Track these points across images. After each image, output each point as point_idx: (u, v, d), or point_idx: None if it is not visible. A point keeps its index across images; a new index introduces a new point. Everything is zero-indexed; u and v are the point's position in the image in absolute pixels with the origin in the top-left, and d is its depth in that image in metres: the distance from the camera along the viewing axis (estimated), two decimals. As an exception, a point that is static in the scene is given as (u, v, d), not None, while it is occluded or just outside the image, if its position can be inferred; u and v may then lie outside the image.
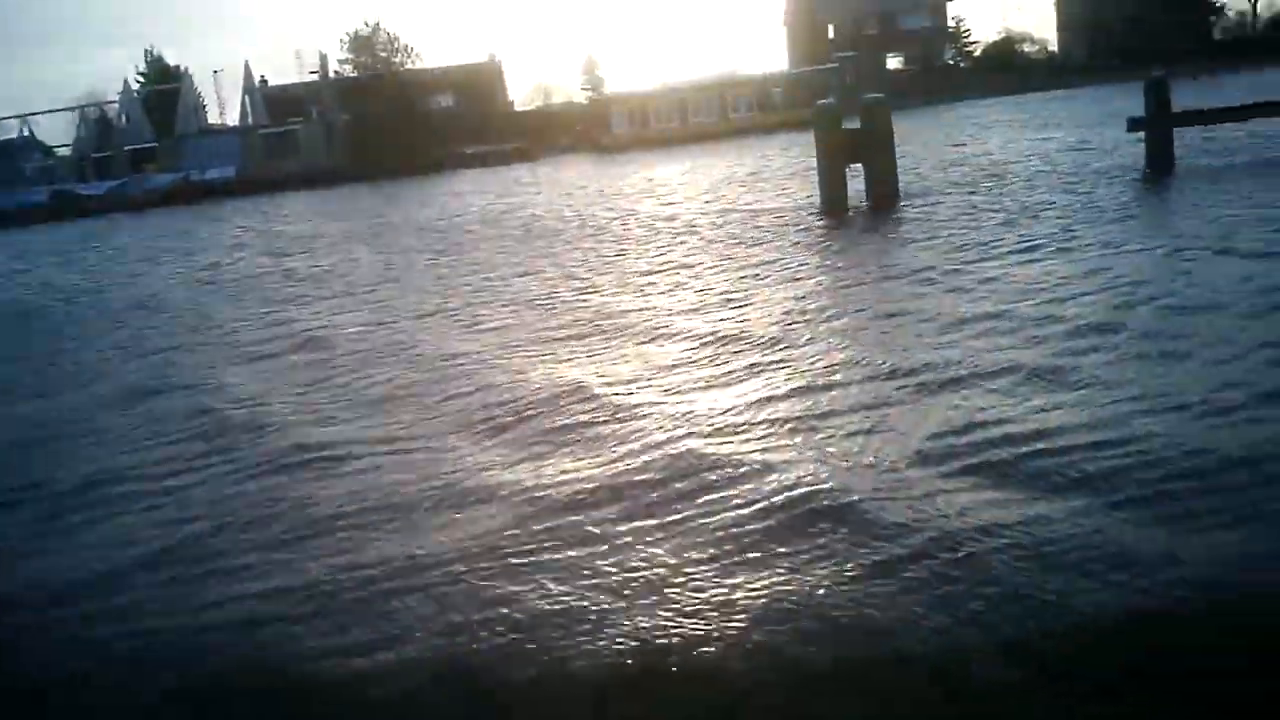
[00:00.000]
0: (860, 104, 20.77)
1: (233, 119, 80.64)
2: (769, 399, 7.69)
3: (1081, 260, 11.65)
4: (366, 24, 79.49)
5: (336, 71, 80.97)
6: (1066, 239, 13.10)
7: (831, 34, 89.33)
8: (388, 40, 79.77)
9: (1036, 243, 13.16)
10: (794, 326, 10.13)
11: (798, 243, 16.11)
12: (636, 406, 7.89)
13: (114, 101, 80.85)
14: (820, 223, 18.22)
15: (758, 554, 5.07)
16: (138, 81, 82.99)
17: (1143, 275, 10.51)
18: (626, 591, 4.83)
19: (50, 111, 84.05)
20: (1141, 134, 19.53)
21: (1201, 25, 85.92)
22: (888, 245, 15.22)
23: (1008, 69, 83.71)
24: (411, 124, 72.40)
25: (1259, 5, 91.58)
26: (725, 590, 4.74)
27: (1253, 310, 8.54)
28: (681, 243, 17.88)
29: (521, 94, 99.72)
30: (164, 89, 79.46)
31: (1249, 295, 9.01)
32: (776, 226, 18.17)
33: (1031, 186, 19.14)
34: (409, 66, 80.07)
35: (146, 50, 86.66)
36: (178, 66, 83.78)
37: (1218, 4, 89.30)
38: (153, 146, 73.99)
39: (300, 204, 46.88)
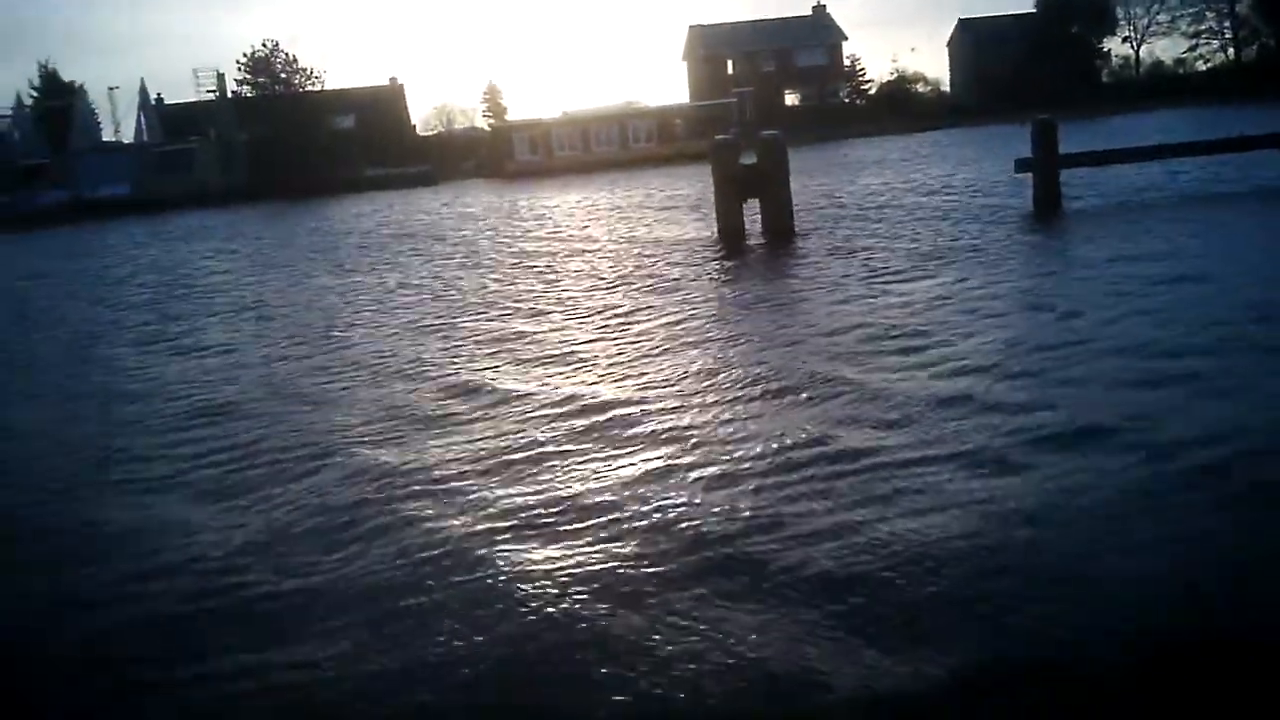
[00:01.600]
0: (757, 139, 21.44)
1: (128, 137, 79.45)
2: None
3: (958, 293, 12.41)
4: (265, 44, 78.72)
5: (234, 91, 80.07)
6: (949, 278, 13.84)
7: (730, 69, 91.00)
8: (286, 61, 79.12)
9: (914, 279, 13.93)
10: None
11: (695, 273, 16.70)
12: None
13: (7, 116, 79.09)
14: (715, 255, 18.85)
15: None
16: (31, 96, 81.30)
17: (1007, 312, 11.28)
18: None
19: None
20: (1029, 174, 20.53)
21: (1088, 69, 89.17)
22: (778, 278, 15.90)
23: (901, 108, 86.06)
24: (312, 144, 71.99)
25: (1141, 51, 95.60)
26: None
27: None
28: (596, 272, 18.40)
29: (423, 116, 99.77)
30: (58, 105, 77.96)
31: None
32: (674, 257, 18.76)
33: (920, 224, 19.93)
34: (309, 88, 79.55)
35: (40, 64, 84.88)
36: (72, 82, 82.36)
37: (1104, 50, 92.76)
38: (45, 163, 72.52)
39: (197, 232, 46.27)
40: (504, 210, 37.48)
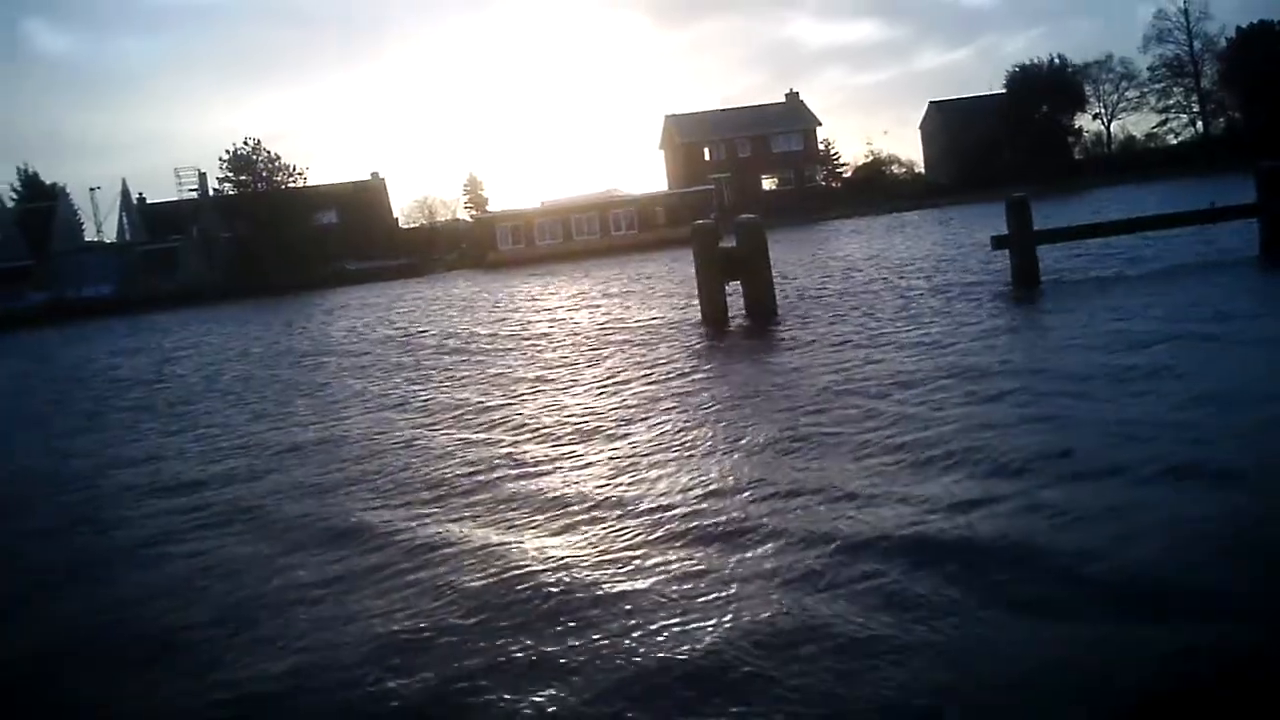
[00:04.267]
0: (735, 224, 21.72)
1: (110, 237, 79.74)
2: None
3: (941, 365, 12.51)
4: (246, 142, 79.36)
5: (216, 189, 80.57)
6: (930, 351, 13.94)
7: (708, 156, 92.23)
8: (268, 158, 79.69)
9: (891, 355, 14.06)
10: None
11: (682, 354, 16.78)
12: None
13: (-12, 219, 79.40)
14: (700, 337, 18.95)
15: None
16: (11, 199, 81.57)
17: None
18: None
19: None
20: (1006, 250, 20.77)
21: (1060, 146, 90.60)
22: (762, 357, 16.00)
23: (876, 189, 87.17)
24: (294, 240, 72.37)
25: (1112, 127, 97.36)
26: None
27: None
28: (588, 354, 18.46)
29: (405, 208, 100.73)
30: (38, 206, 78.22)
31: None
32: (660, 339, 18.86)
33: (901, 300, 20.12)
34: (292, 184, 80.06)
35: (19, 167, 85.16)
36: (53, 184, 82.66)
37: (1075, 126, 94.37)
38: (27, 264, 72.66)
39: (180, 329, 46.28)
40: (490, 299, 37.61)
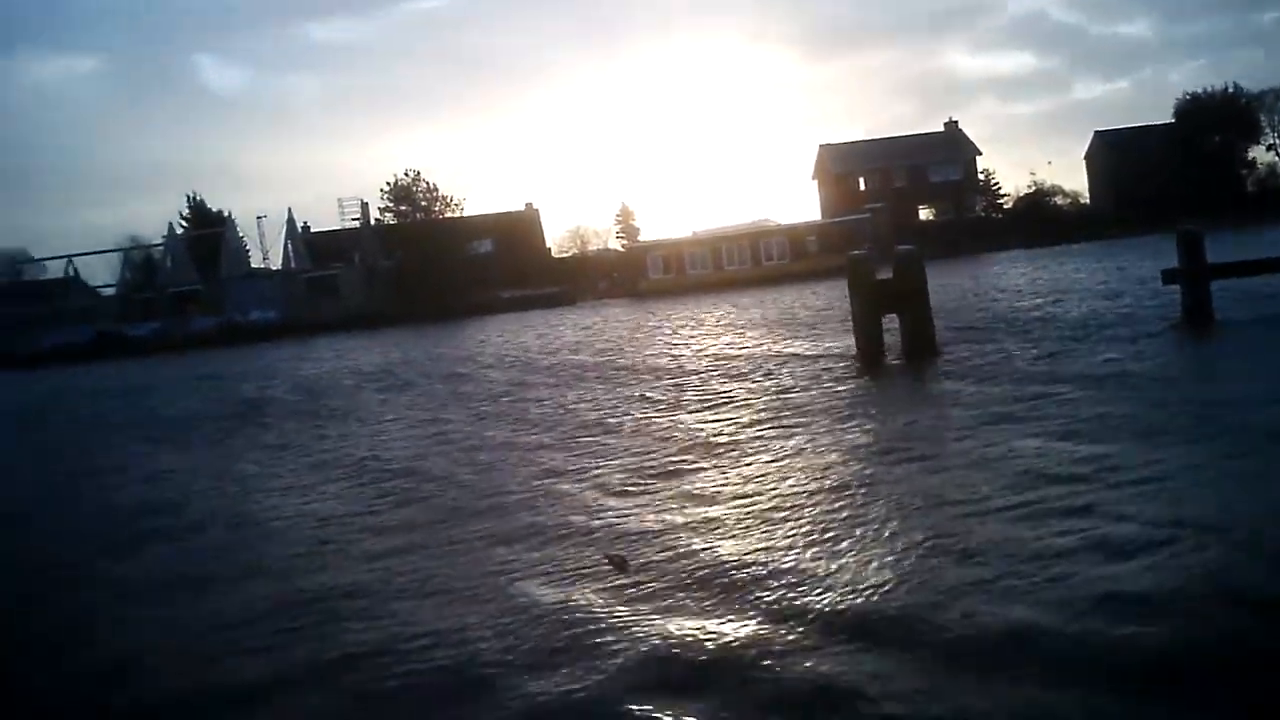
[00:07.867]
0: (895, 255, 21.05)
1: (275, 264, 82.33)
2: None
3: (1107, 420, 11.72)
4: (407, 174, 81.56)
5: (377, 219, 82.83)
6: (1097, 403, 13.09)
7: (862, 185, 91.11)
8: (427, 189, 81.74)
9: (1065, 399, 13.23)
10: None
11: (838, 391, 16.23)
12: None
13: (159, 244, 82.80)
14: (856, 373, 18.33)
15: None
16: (182, 226, 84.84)
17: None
18: None
19: (95, 253, 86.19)
20: (1176, 286, 19.70)
21: (1232, 178, 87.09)
22: (923, 400, 15.37)
23: (1039, 221, 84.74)
24: (451, 269, 73.85)
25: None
26: None
27: None
28: (736, 390, 18.06)
29: (558, 238, 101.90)
30: (207, 233, 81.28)
31: None
32: (815, 374, 18.32)
33: (1067, 339, 19.17)
34: (449, 214, 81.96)
35: (189, 195, 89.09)
36: (220, 211, 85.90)
37: (1249, 158, 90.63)
38: (196, 289, 75.62)
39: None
40: (641, 325, 37.49)
